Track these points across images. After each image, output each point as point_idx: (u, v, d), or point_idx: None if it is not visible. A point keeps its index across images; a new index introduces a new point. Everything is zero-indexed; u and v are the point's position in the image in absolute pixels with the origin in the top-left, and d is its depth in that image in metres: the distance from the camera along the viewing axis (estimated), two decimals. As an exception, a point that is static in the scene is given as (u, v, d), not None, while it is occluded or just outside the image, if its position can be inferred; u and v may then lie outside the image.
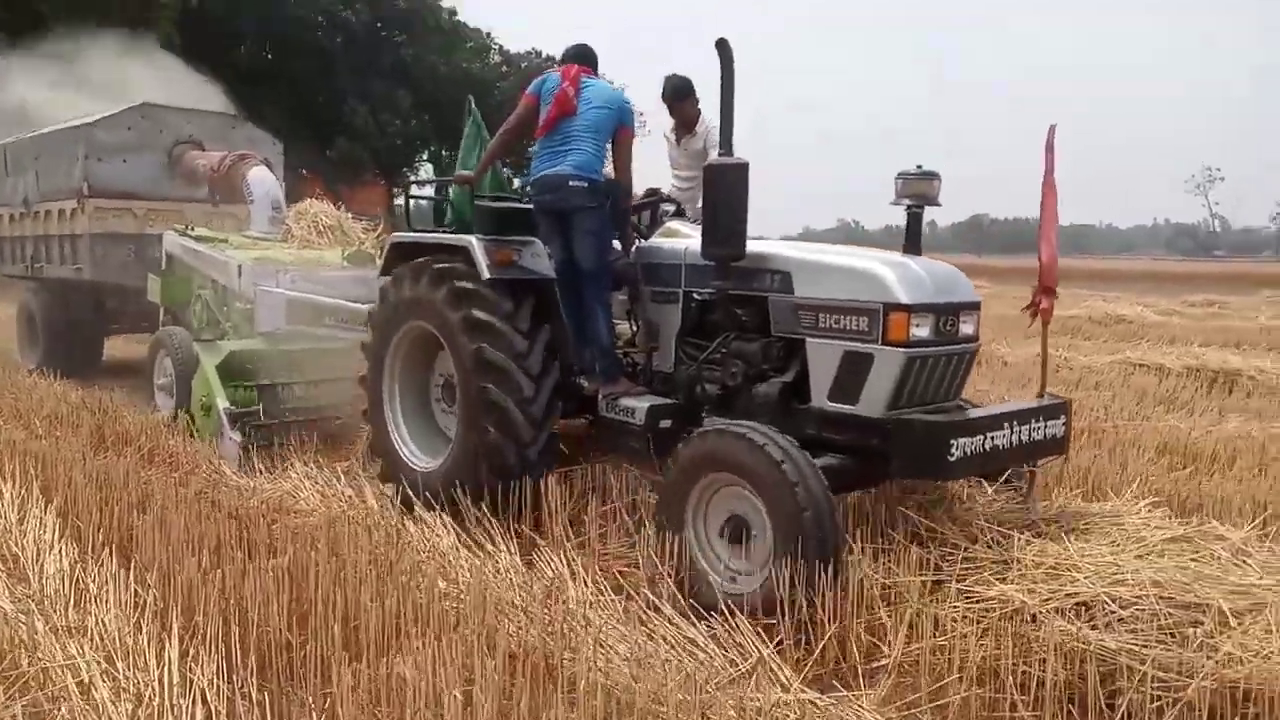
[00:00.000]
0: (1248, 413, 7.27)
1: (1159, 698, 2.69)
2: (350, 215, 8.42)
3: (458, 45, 36.26)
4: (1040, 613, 3.08)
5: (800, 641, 3.13)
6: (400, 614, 3.13)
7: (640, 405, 4.31)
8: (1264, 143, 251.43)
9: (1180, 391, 8.23)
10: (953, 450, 3.45)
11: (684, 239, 4.52)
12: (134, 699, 2.55)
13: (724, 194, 3.93)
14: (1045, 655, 2.82)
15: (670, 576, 3.51)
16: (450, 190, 5.27)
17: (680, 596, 3.46)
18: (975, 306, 3.92)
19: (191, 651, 2.80)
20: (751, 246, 4.03)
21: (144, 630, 2.95)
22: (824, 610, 3.10)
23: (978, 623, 3.08)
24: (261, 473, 5.37)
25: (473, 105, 5.44)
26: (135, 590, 3.28)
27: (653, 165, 6.07)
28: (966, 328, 3.85)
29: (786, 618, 3.12)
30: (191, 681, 2.62)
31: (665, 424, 4.24)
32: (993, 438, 3.60)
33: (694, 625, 3.18)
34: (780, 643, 3.09)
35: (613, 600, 3.38)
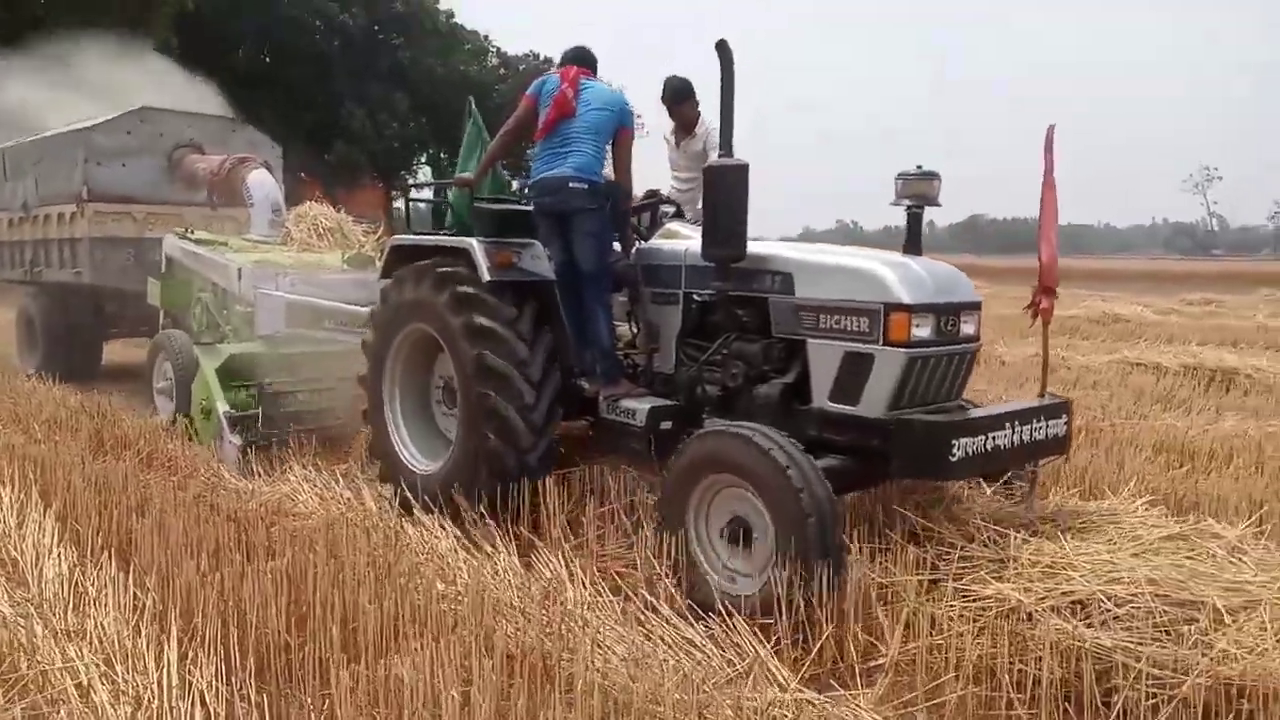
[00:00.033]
0: (1244, 411, 7.28)
1: (1154, 695, 2.70)
2: (351, 218, 8.44)
3: (455, 48, 36.32)
4: (1036, 611, 3.09)
5: (798, 641, 3.14)
6: (398, 615, 3.14)
7: (641, 407, 4.30)
8: (1262, 142, 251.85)
9: (1177, 390, 8.24)
10: (954, 450, 3.45)
11: (684, 240, 4.52)
12: (133, 701, 2.55)
13: (724, 195, 3.93)
14: (1041, 653, 2.83)
15: (667, 576, 3.52)
16: (450, 193, 5.28)
17: (678, 597, 3.47)
18: (976, 306, 3.92)
19: (190, 654, 2.81)
20: (752, 247, 4.03)
21: (143, 633, 2.95)
22: (821, 610, 3.11)
23: (974, 621, 3.09)
24: (260, 476, 5.38)
25: (473, 107, 5.46)
26: (134, 593, 3.29)
27: (652, 167, 6.09)
28: (967, 327, 3.86)
29: (784, 618, 3.13)
30: (190, 684, 2.63)
31: (666, 425, 4.24)
32: (994, 438, 3.60)
33: (691, 626, 3.19)
34: (778, 643, 3.10)
35: (610, 601, 3.38)
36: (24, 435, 6.23)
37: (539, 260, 4.56)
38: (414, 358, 4.93)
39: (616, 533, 4.11)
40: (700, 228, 4.21)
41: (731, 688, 2.78)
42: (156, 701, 2.54)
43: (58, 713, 2.55)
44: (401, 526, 4.24)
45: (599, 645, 2.98)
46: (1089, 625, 2.99)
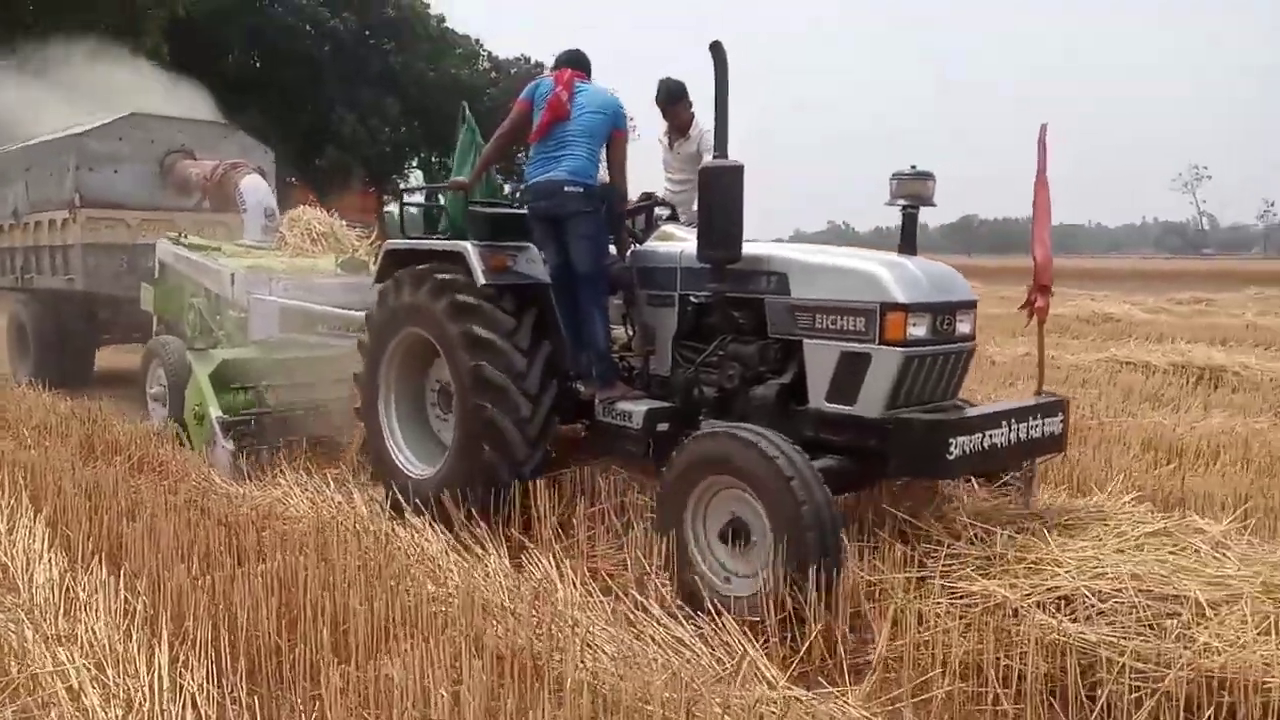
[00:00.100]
0: (1232, 408, 7.34)
1: (1138, 688, 2.72)
2: (345, 223, 8.45)
3: (446, 52, 36.25)
4: (1022, 607, 3.12)
5: (786, 639, 3.15)
6: (389, 617, 3.15)
7: (638, 409, 4.30)
8: (1252, 141, 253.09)
9: (1166, 388, 8.29)
10: (951, 449, 3.46)
11: (679, 242, 4.52)
12: (124, 704, 2.57)
13: (719, 196, 3.93)
14: (1027, 649, 2.85)
15: (656, 576, 3.53)
16: (445, 196, 5.29)
17: (668, 596, 3.48)
18: (971, 305, 3.93)
19: (181, 657, 2.82)
20: (747, 248, 4.03)
21: (134, 637, 2.97)
22: (810, 608, 3.13)
23: (961, 618, 3.11)
24: (251, 480, 5.39)
25: (467, 112, 5.45)
26: (125, 597, 3.30)
27: (646, 169, 6.11)
28: (963, 326, 3.87)
29: (773, 616, 3.15)
30: (181, 687, 2.64)
31: (663, 427, 4.23)
32: (991, 436, 3.61)
33: (681, 625, 3.20)
34: (767, 641, 3.12)
35: (601, 601, 3.40)
36: (14, 441, 6.22)
37: (534, 264, 4.57)
38: (409, 361, 4.93)
39: (607, 533, 4.13)
40: (695, 229, 4.21)
41: (720, 686, 2.80)
42: (147, 704, 2.55)
43: (48, 716, 2.57)
44: (392, 529, 4.25)
45: (589, 645, 3.00)
46: (1074, 620, 3.02)
